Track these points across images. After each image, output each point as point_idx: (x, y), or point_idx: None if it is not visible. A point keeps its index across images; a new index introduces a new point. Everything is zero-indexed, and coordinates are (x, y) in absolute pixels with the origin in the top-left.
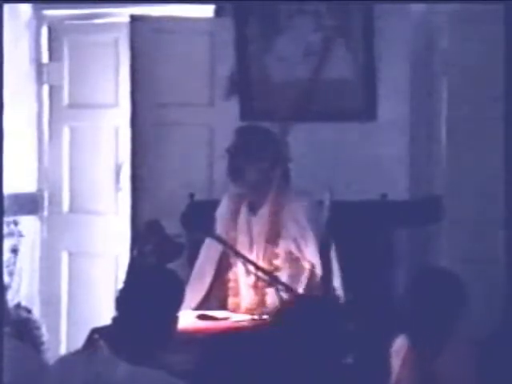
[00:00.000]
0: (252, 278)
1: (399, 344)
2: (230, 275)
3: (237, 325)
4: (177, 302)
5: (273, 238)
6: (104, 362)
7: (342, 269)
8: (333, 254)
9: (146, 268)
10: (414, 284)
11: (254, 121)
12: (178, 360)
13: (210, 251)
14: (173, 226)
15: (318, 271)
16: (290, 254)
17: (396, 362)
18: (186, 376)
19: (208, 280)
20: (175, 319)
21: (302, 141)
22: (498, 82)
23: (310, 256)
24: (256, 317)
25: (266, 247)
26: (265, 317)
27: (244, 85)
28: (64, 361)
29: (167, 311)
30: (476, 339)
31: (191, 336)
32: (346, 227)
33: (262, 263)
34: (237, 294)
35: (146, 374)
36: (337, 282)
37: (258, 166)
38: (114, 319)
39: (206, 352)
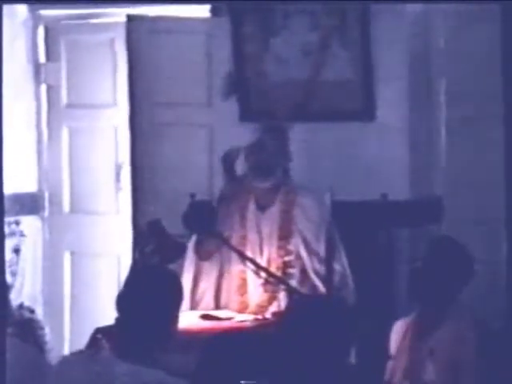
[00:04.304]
0: (260, 278)
1: (399, 324)
2: (238, 274)
3: (240, 325)
4: (176, 302)
5: (285, 235)
6: (105, 363)
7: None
8: (342, 253)
9: (145, 268)
10: (426, 251)
11: (253, 121)
12: (181, 360)
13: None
14: (174, 226)
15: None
16: (299, 251)
17: (395, 339)
18: (189, 376)
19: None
20: (175, 319)
21: (302, 141)
22: (496, 81)
23: (320, 253)
24: (260, 317)
25: (278, 245)
26: (268, 316)
27: (242, 84)
28: (66, 361)
29: (167, 311)
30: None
31: (194, 336)
32: (347, 227)
33: (272, 261)
34: (243, 294)
35: (146, 374)
36: (349, 279)
37: (283, 163)
38: (116, 319)
39: (208, 352)
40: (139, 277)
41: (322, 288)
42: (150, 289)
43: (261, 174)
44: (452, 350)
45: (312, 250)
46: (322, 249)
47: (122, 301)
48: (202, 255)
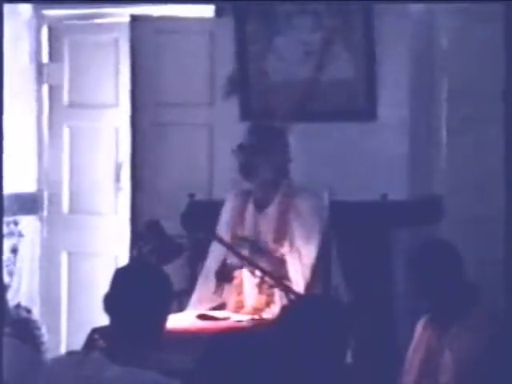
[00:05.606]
0: (256, 278)
1: (422, 320)
2: (234, 274)
3: (237, 325)
4: (165, 302)
5: (278, 236)
6: (96, 365)
7: (342, 269)
8: (334, 254)
9: (134, 267)
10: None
11: (254, 120)
12: (177, 360)
13: (215, 251)
14: (173, 227)
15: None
16: (288, 253)
17: (417, 333)
18: (185, 376)
19: (214, 279)
20: (163, 321)
21: (302, 141)
22: (498, 81)
23: (308, 255)
24: (256, 317)
25: (272, 246)
26: (266, 316)
27: (244, 84)
28: (56, 362)
29: (155, 311)
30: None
31: (191, 336)
32: (346, 227)
33: None
34: (240, 293)
35: (135, 374)
36: (338, 281)
37: (270, 164)
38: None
39: (205, 352)
40: (128, 276)
41: (299, 289)
42: (138, 288)
43: (242, 176)
44: (468, 345)
45: (298, 253)
46: (310, 254)
47: (110, 301)
48: (226, 279)
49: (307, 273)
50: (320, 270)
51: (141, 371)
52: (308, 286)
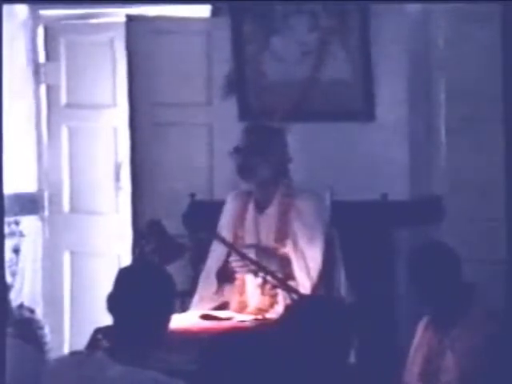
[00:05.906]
0: (258, 278)
1: (424, 319)
2: (236, 274)
3: (240, 325)
4: (169, 302)
5: (280, 237)
6: (98, 364)
7: (344, 269)
8: (337, 254)
9: (137, 267)
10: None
11: (253, 120)
12: (180, 360)
13: (216, 250)
14: (174, 226)
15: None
16: (290, 254)
17: (418, 332)
18: (188, 376)
19: (215, 279)
20: (166, 321)
21: (302, 141)
22: (496, 81)
23: (313, 256)
24: (260, 317)
25: (273, 246)
26: (268, 316)
27: (241, 84)
28: (59, 362)
29: (157, 312)
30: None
31: (194, 336)
32: (346, 227)
33: None
34: (242, 293)
35: (138, 374)
36: (341, 281)
37: (268, 164)
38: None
39: (208, 352)
40: (132, 276)
41: (306, 291)
42: (141, 288)
43: (241, 177)
44: (469, 345)
45: (303, 254)
46: (315, 255)
47: (113, 300)
48: (227, 279)
49: (314, 275)
50: (323, 270)
51: (143, 371)
52: (314, 288)
